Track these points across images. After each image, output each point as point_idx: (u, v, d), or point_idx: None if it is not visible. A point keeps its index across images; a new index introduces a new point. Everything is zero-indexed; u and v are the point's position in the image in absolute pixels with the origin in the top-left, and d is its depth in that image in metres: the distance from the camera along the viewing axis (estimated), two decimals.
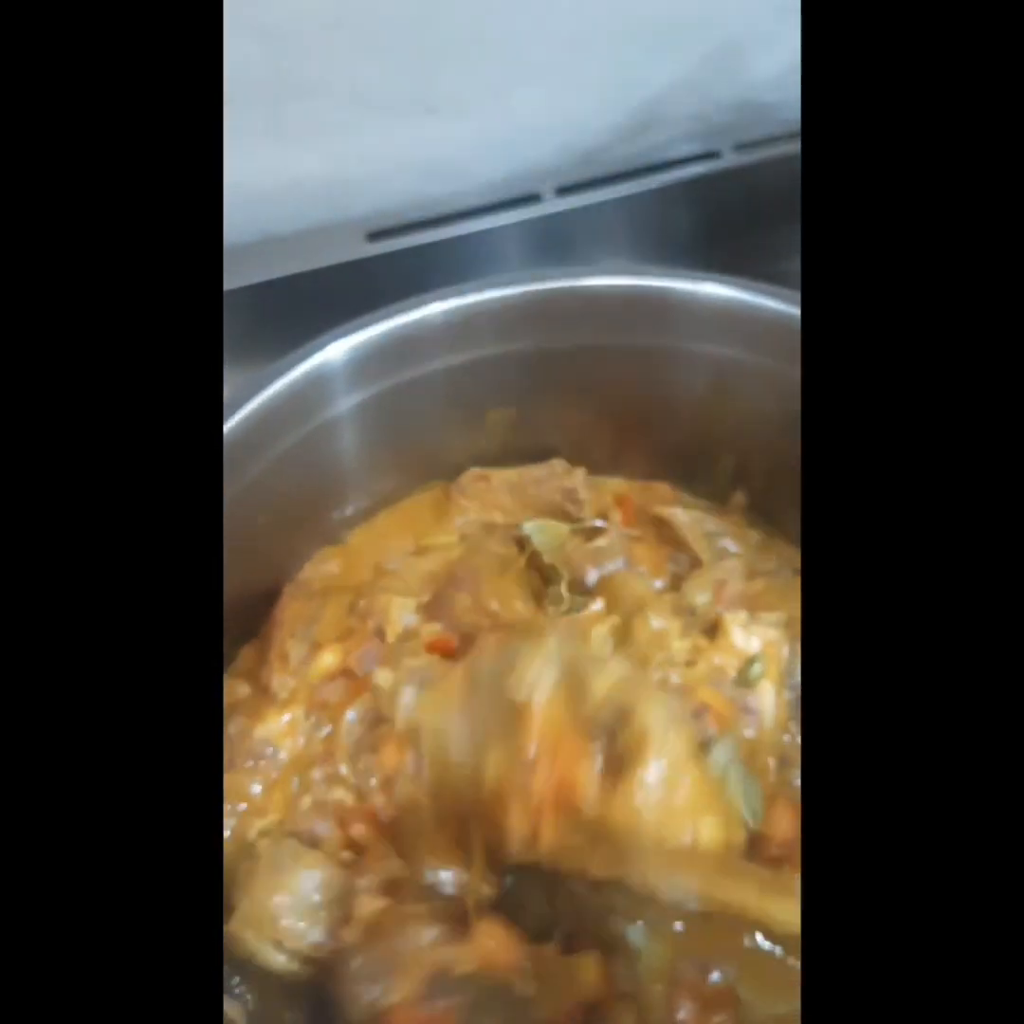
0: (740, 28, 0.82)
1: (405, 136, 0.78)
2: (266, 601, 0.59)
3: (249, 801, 0.53)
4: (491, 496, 0.61)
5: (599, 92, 0.82)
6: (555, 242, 0.81)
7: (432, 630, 0.57)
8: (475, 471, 0.62)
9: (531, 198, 0.80)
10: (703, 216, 0.85)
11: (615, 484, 0.65)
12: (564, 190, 0.81)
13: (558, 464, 0.62)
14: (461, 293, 0.54)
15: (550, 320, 0.56)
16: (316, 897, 0.49)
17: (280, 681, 0.57)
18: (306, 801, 0.53)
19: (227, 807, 0.52)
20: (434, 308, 0.54)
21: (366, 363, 0.55)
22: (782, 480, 0.62)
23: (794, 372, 0.55)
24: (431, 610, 0.57)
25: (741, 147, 0.84)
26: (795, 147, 0.84)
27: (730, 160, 0.83)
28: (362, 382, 0.55)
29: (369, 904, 0.48)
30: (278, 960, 0.48)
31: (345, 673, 0.57)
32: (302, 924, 0.48)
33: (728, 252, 0.86)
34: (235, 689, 0.57)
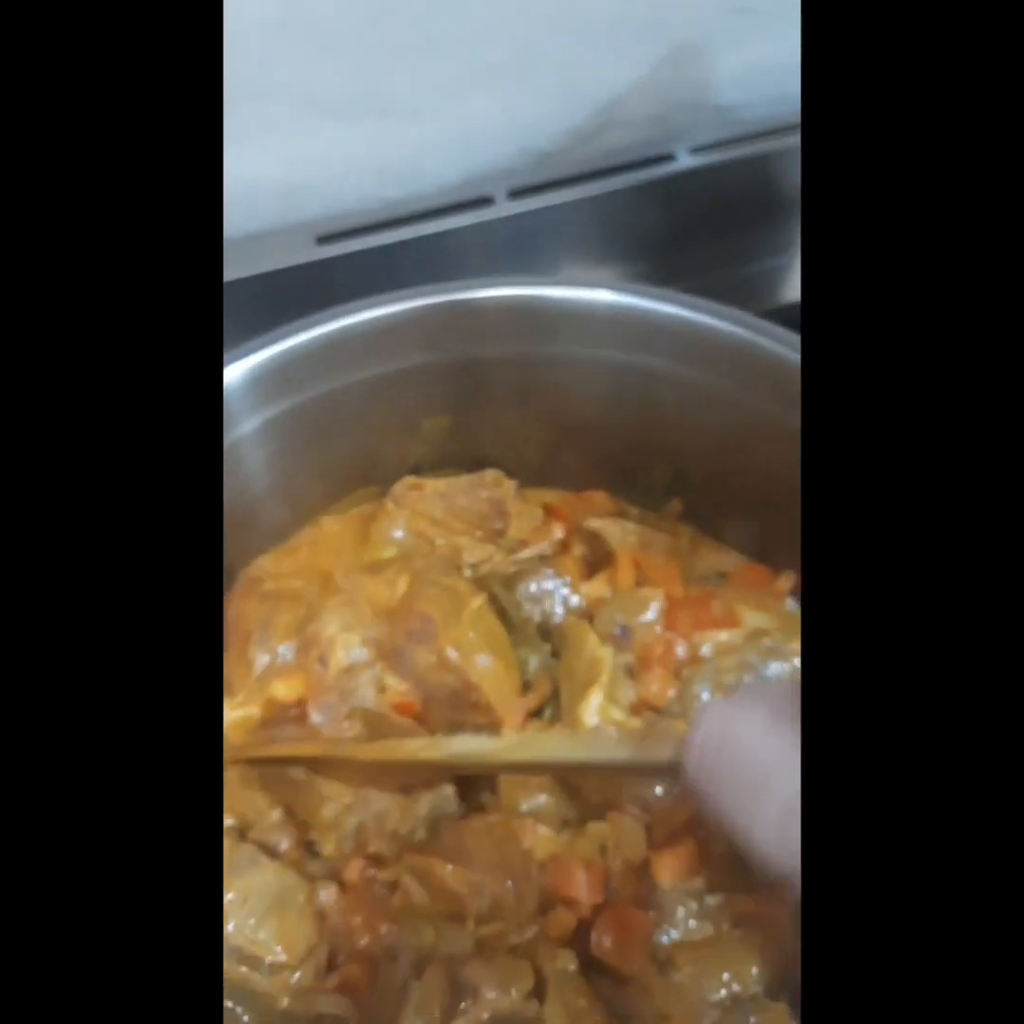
0: (696, 30, 0.82)
1: (357, 138, 0.78)
2: None
3: None
4: (423, 505, 0.61)
5: (555, 94, 0.82)
6: (509, 245, 0.81)
7: (397, 690, 0.57)
8: (409, 480, 0.62)
9: (485, 200, 0.80)
10: (660, 219, 0.84)
11: (549, 495, 0.65)
12: (517, 193, 0.81)
13: (491, 475, 0.62)
14: (381, 304, 0.54)
15: (478, 329, 0.57)
16: (265, 903, 0.51)
17: (240, 683, 0.58)
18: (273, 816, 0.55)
19: None
20: (359, 317, 0.55)
21: (269, 380, 0.55)
22: (716, 487, 0.62)
23: (724, 384, 0.56)
24: (392, 662, 0.57)
25: (697, 150, 0.84)
26: (753, 149, 0.84)
27: (686, 162, 0.83)
28: (266, 400, 0.56)
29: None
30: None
31: (299, 706, 0.57)
32: (251, 921, 0.50)
33: (686, 255, 0.86)
34: None
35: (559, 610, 0.59)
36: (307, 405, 0.57)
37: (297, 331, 0.55)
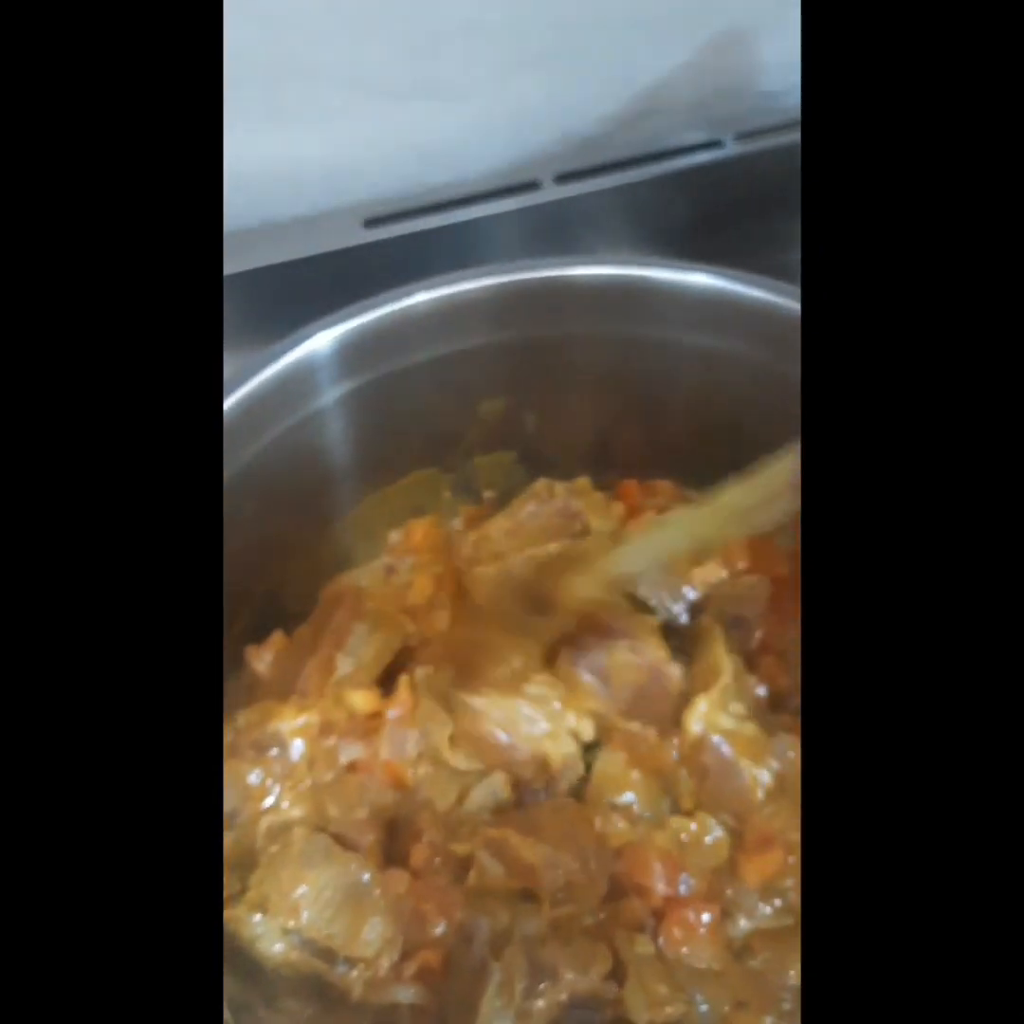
0: (743, 16, 0.81)
1: (403, 121, 0.77)
2: (265, 584, 0.59)
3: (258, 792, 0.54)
4: (494, 546, 0.60)
5: (600, 79, 0.81)
6: (554, 230, 0.80)
7: None
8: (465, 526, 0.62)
9: (531, 185, 0.79)
10: (704, 205, 0.84)
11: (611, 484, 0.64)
12: (563, 177, 0.80)
13: (542, 486, 0.61)
14: (447, 283, 0.54)
15: (539, 309, 0.56)
16: (339, 895, 0.50)
17: (314, 685, 0.57)
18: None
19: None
20: (420, 297, 0.54)
21: (353, 352, 0.54)
22: None
23: (783, 364, 0.56)
24: None
25: (743, 136, 0.83)
26: (798, 137, 0.84)
27: (732, 149, 0.82)
28: (350, 372, 0.55)
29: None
30: (276, 949, 0.49)
31: (375, 719, 0.56)
32: (326, 914, 0.49)
33: (729, 242, 0.85)
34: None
35: (677, 607, 0.59)
36: (379, 382, 0.56)
37: (368, 308, 0.54)
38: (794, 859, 0.50)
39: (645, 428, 0.63)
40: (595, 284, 0.56)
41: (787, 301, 0.54)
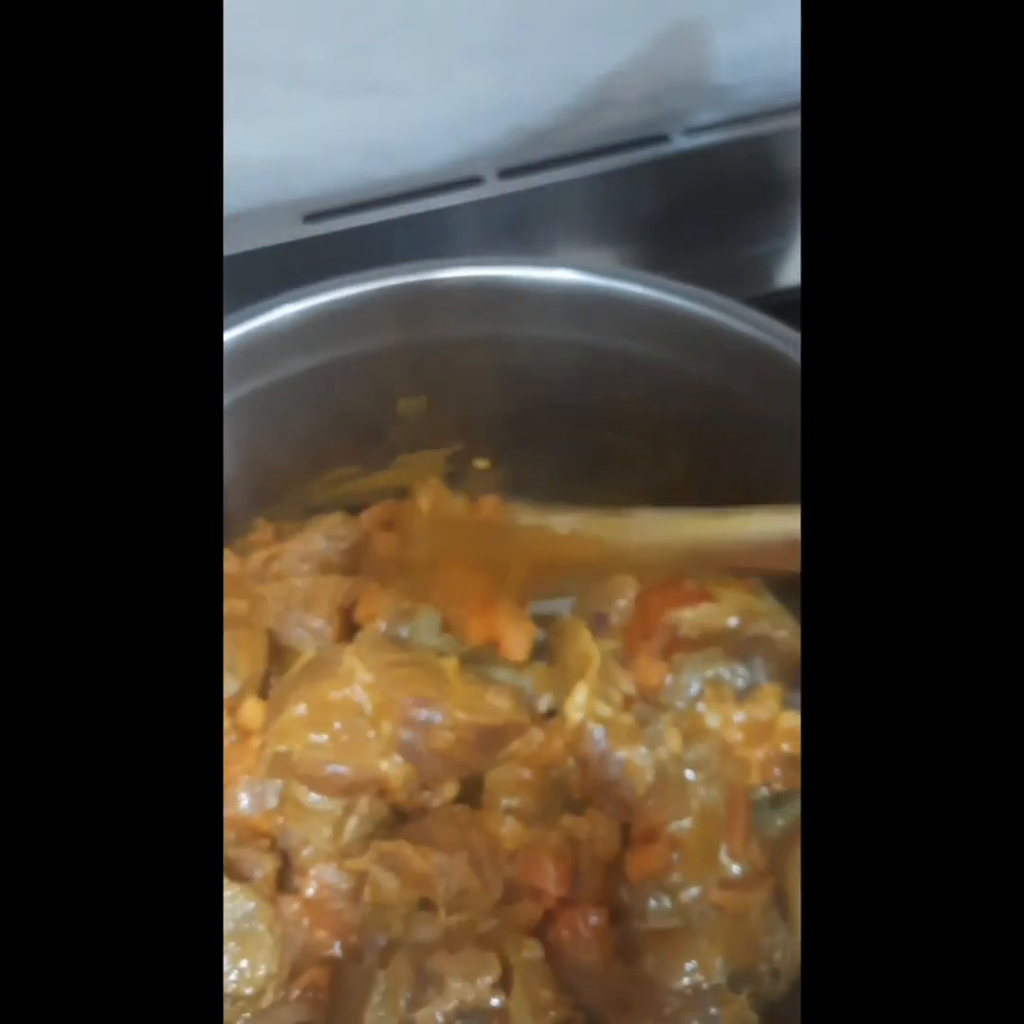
0: (694, 9, 0.80)
1: (345, 117, 0.77)
2: None
3: None
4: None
5: (548, 72, 0.80)
6: (501, 225, 0.80)
7: None
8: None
9: (474, 180, 0.79)
10: (655, 200, 0.83)
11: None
12: (507, 172, 0.79)
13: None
14: (348, 284, 0.54)
15: (446, 310, 0.56)
16: (228, 929, 0.49)
17: None
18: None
19: None
20: (327, 297, 0.54)
21: (249, 355, 0.54)
22: (701, 464, 0.61)
23: (691, 363, 0.55)
24: None
25: (693, 130, 0.82)
26: (750, 130, 0.83)
27: (681, 143, 0.82)
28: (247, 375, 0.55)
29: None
30: None
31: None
32: None
33: (683, 237, 0.85)
34: None
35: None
36: (280, 384, 0.56)
37: (266, 310, 0.54)
38: (678, 855, 0.50)
39: (554, 427, 0.62)
40: (474, 286, 0.55)
41: (667, 297, 0.53)
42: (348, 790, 0.52)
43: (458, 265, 0.54)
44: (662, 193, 0.82)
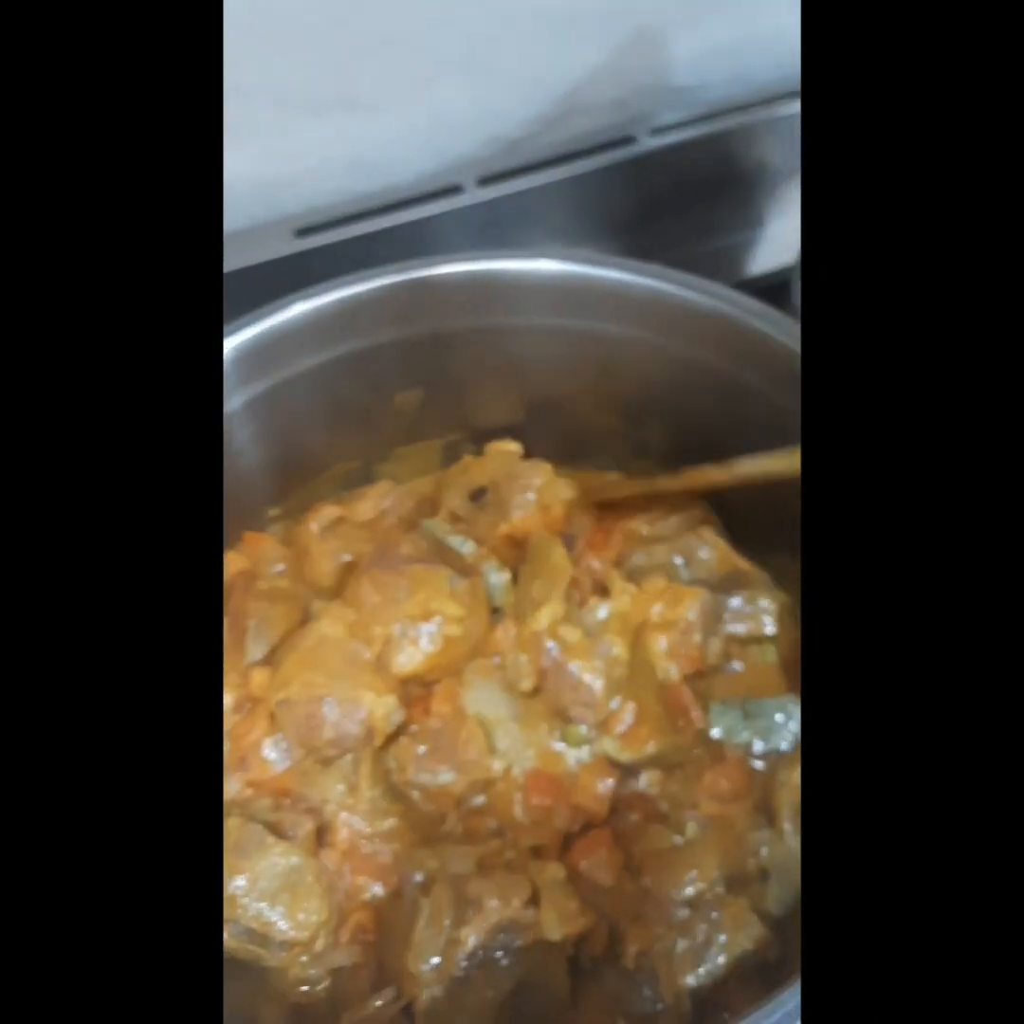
0: (652, 16, 0.84)
1: (328, 134, 0.81)
2: None
3: None
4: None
5: (518, 83, 0.85)
6: (482, 231, 0.84)
7: None
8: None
9: (454, 189, 0.83)
10: (627, 199, 0.87)
11: None
12: (486, 180, 0.83)
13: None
14: (345, 285, 0.57)
15: (440, 304, 0.59)
16: (276, 884, 0.52)
17: (231, 663, 0.61)
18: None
19: None
20: (325, 298, 0.58)
21: (257, 357, 0.58)
22: (684, 442, 0.65)
23: (677, 345, 0.59)
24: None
25: (659, 131, 0.86)
26: (712, 128, 0.87)
27: (648, 143, 0.86)
28: (257, 376, 0.59)
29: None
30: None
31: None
32: (263, 903, 0.52)
33: (656, 233, 0.89)
34: None
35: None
36: (284, 384, 0.59)
37: (270, 313, 0.58)
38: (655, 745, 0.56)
39: (550, 413, 0.66)
40: (455, 281, 0.59)
41: (652, 282, 0.58)
42: (339, 741, 0.56)
43: (448, 262, 0.58)
44: (633, 191, 0.86)
